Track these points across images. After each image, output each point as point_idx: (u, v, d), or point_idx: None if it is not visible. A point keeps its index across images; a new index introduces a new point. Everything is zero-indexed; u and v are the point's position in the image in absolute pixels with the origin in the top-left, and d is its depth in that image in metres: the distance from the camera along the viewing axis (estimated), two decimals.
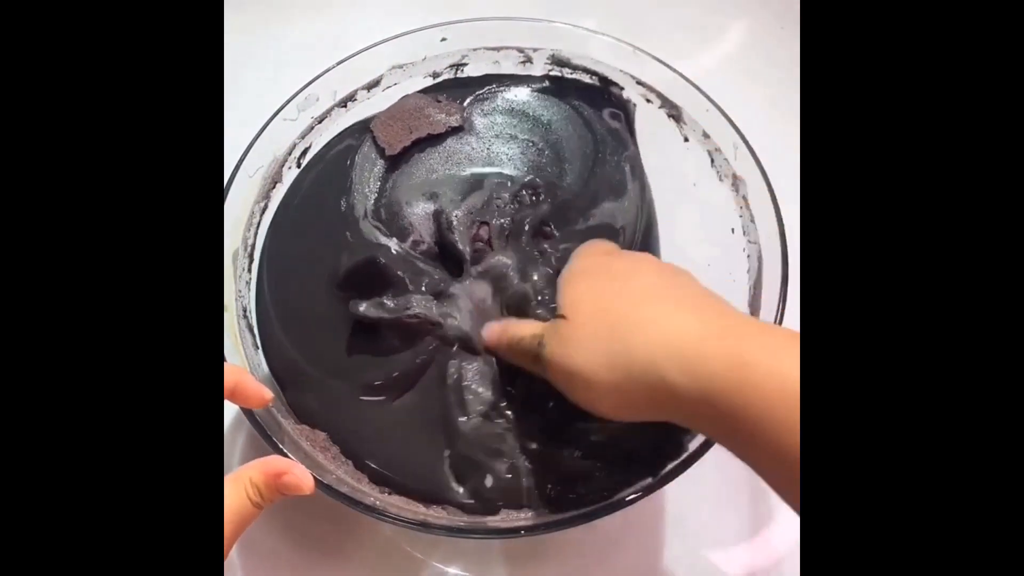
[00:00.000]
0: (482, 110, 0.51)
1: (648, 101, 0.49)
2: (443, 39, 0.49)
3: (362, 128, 0.50)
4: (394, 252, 0.45)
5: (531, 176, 0.48)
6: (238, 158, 0.44)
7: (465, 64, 0.51)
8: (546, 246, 0.45)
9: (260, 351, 0.44)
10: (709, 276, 0.46)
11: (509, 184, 0.48)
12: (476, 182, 0.48)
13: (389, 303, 0.43)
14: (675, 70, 0.47)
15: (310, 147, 0.49)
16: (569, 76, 0.51)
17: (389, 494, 0.40)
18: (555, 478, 0.40)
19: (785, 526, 0.47)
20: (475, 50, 0.50)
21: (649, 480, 0.37)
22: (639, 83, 0.49)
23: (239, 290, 0.44)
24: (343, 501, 0.36)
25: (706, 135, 0.47)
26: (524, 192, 0.47)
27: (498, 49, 0.50)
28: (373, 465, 0.41)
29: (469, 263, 0.45)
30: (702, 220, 0.48)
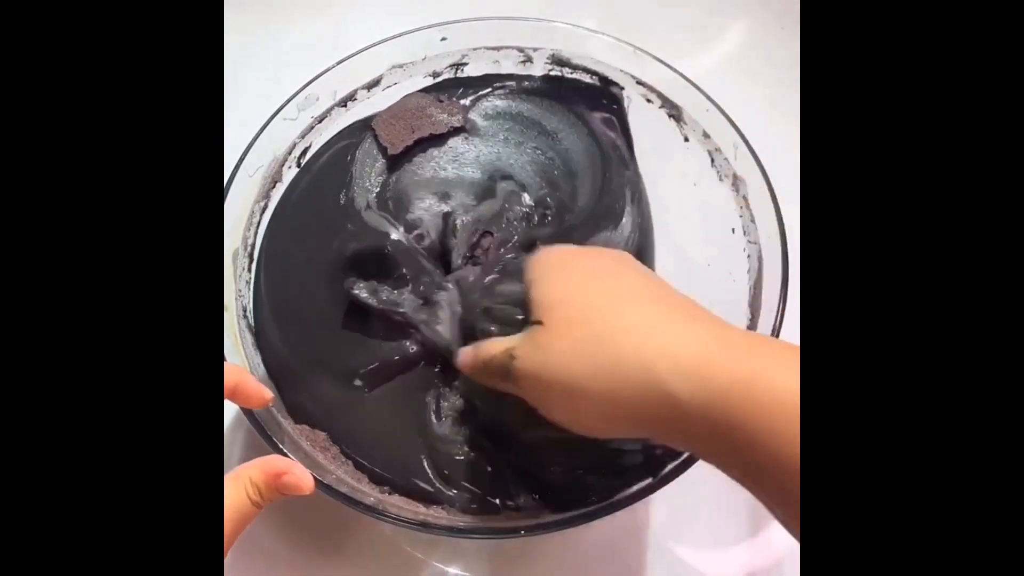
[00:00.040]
0: (485, 112, 0.51)
1: (648, 101, 0.49)
2: (443, 39, 0.49)
3: (362, 127, 0.50)
4: (401, 242, 0.45)
5: (546, 190, 0.48)
6: (238, 158, 0.44)
7: (465, 64, 0.51)
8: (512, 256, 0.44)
9: (259, 351, 0.44)
10: (709, 276, 0.46)
11: (524, 197, 0.47)
12: (489, 188, 0.48)
13: (383, 294, 0.43)
14: (675, 70, 0.47)
15: (310, 147, 0.49)
16: (569, 76, 0.51)
17: (389, 494, 0.40)
18: (554, 479, 0.40)
19: None
20: (475, 50, 0.50)
21: (649, 480, 0.37)
22: (639, 83, 0.49)
23: (239, 290, 0.44)
24: (343, 501, 0.36)
25: (706, 135, 0.47)
26: (537, 209, 0.47)
27: (498, 49, 0.50)
28: (373, 465, 0.41)
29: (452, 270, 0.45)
30: (702, 220, 0.48)
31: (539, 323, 0.32)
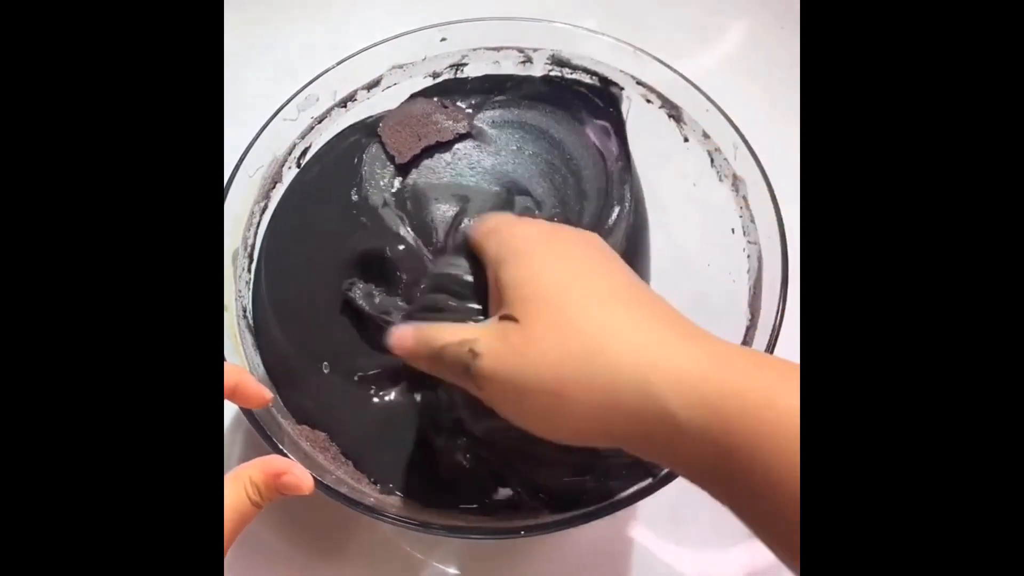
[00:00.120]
0: (492, 120, 0.50)
1: (648, 101, 0.49)
2: (443, 39, 0.49)
3: (364, 128, 0.50)
4: (404, 247, 0.45)
5: (559, 209, 0.48)
6: (238, 158, 0.44)
7: (465, 64, 0.51)
8: None
9: (259, 351, 0.44)
10: (709, 276, 0.46)
11: (536, 213, 0.47)
12: (508, 202, 0.48)
13: (376, 299, 0.43)
14: (675, 70, 0.47)
15: (310, 147, 0.49)
16: (569, 76, 0.51)
17: (389, 494, 0.40)
18: (554, 480, 0.40)
19: None
20: (475, 50, 0.50)
21: (649, 480, 0.37)
22: (639, 83, 0.49)
23: (239, 290, 0.44)
24: (343, 501, 0.36)
25: (706, 135, 0.47)
26: None
27: (498, 49, 0.50)
28: (372, 466, 0.41)
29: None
30: (702, 220, 0.48)
31: (511, 318, 0.29)
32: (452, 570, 0.46)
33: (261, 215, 0.47)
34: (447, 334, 0.31)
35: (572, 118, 0.50)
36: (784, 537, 0.24)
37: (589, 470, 0.39)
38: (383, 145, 0.49)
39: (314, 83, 0.47)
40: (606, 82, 0.50)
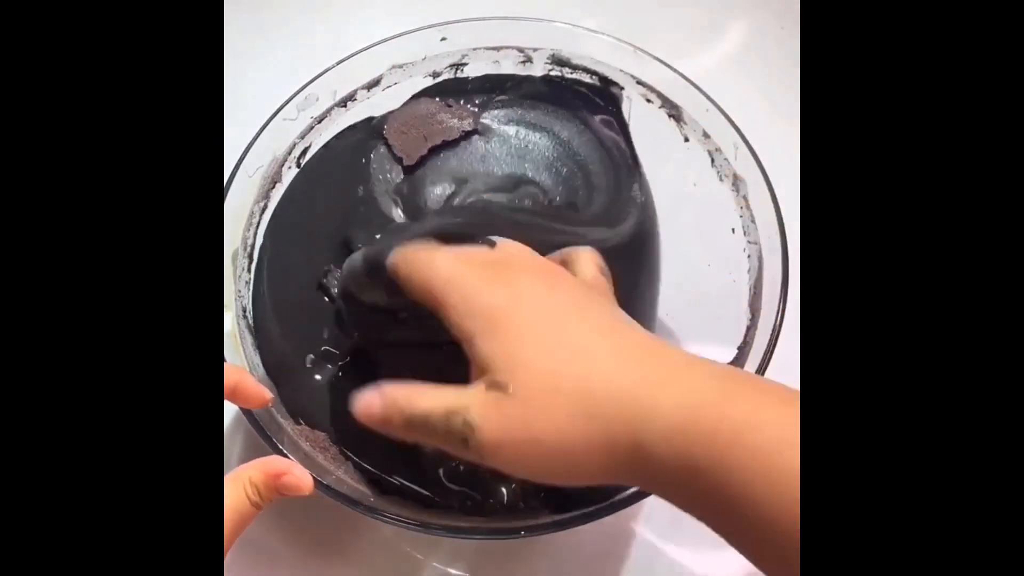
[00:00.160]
0: (497, 117, 0.50)
1: (648, 101, 0.49)
2: (443, 39, 0.49)
3: (367, 128, 0.50)
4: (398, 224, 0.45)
5: (563, 201, 0.48)
6: (238, 158, 0.44)
7: (465, 64, 0.51)
8: None
9: (259, 351, 0.44)
10: (709, 276, 0.46)
11: (541, 196, 0.47)
12: (511, 186, 0.47)
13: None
14: (675, 70, 0.47)
15: (310, 147, 0.49)
16: (569, 76, 0.51)
17: (389, 495, 0.40)
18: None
19: None
20: (475, 50, 0.50)
21: None
22: (639, 83, 0.49)
23: (239, 290, 0.44)
24: (343, 501, 0.36)
25: (706, 135, 0.47)
26: (548, 209, 0.47)
27: (498, 49, 0.50)
28: (372, 466, 0.41)
29: None
30: (702, 220, 0.48)
31: (498, 386, 0.28)
32: (452, 570, 0.46)
33: (261, 215, 0.47)
34: (425, 401, 0.30)
35: (575, 116, 0.50)
36: (781, 562, 0.24)
37: None
38: (390, 148, 0.49)
39: (314, 83, 0.47)
40: (606, 82, 0.50)
